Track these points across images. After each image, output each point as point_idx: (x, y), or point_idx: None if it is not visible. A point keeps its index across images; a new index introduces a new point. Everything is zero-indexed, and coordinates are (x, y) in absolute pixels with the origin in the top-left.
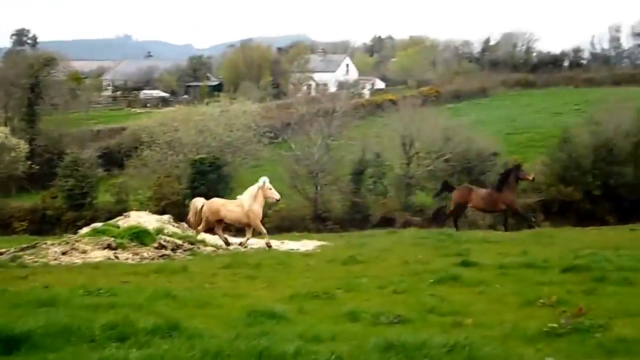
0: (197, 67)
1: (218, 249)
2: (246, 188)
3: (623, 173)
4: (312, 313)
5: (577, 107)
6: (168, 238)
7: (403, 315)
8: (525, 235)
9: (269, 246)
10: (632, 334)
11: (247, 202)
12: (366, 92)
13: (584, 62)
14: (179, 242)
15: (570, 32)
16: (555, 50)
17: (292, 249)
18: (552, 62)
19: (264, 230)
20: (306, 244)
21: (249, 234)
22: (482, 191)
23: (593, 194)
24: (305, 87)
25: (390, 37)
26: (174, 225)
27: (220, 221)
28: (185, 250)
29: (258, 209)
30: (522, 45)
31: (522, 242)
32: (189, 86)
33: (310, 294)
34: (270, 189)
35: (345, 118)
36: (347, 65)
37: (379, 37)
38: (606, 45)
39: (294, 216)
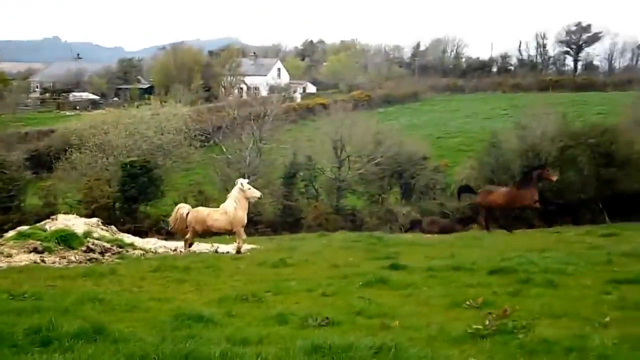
0: (128, 69)
1: (147, 253)
2: (177, 191)
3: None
4: (241, 316)
5: (505, 112)
6: (96, 241)
7: (331, 318)
8: (454, 238)
9: (239, 252)
10: (553, 335)
11: (231, 209)
12: (298, 96)
13: (512, 68)
14: (108, 245)
15: (498, 39)
16: (484, 56)
17: (223, 252)
18: (481, 68)
19: (244, 237)
20: None
21: (239, 240)
22: (503, 189)
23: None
24: (236, 91)
25: (321, 42)
26: (103, 229)
27: (199, 231)
28: (113, 254)
29: (242, 214)
30: (452, 51)
31: (451, 245)
32: (120, 89)
33: (239, 297)
34: (249, 189)
35: (277, 122)
36: (279, 69)
37: (311, 41)
38: (533, 52)
39: None
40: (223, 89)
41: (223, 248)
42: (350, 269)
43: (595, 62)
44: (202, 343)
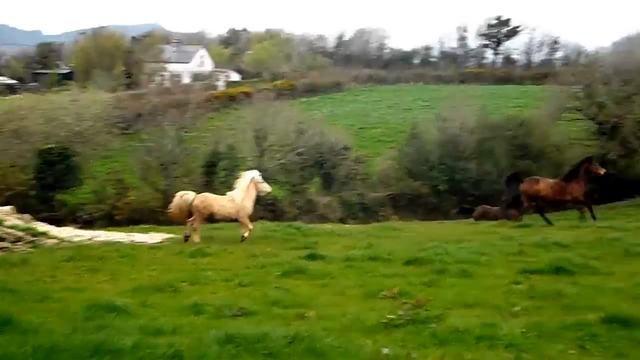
0: (47, 54)
1: (62, 242)
2: (96, 179)
3: (467, 168)
4: (155, 306)
5: (426, 104)
6: (8, 230)
7: (247, 308)
8: (372, 229)
9: (242, 240)
10: (465, 324)
11: (239, 198)
12: (221, 85)
13: (433, 60)
14: (21, 234)
15: (420, 31)
16: (406, 47)
17: (139, 242)
18: (403, 59)
19: (250, 226)
20: (154, 237)
21: (244, 229)
22: (550, 180)
23: (439, 188)
24: (158, 78)
25: (245, 30)
26: (16, 217)
27: (206, 216)
28: (27, 243)
29: (249, 204)
30: (375, 42)
31: (369, 235)
32: (38, 73)
33: (155, 287)
34: (262, 182)
35: (199, 110)
36: (202, 56)
37: (235, 29)
38: (454, 45)
39: (144, 208)
40: (145, 76)
41: (139, 237)
42: (268, 259)
43: (514, 56)
44: (114, 334)
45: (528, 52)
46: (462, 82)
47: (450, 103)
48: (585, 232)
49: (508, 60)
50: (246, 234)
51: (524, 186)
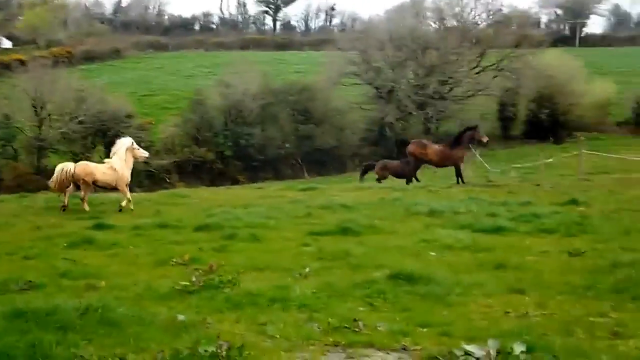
0: None
1: None
2: None
3: (252, 134)
4: None
5: (209, 70)
6: None
7: (34, 281)
8: (159, 196)
9: (120, 210)
10: (257, 288)
11: (118, 166)
12: None
13: (214, 26)
14: None
15: None
16: (186, 14)
17: None
18: (183, 26)
19: (128, 195)
20: None
21: (124, 197)
22: (436, 146)
23: (225, 155)
24: None
25: None
26: None
27: (90, 184)
28: None
29: (127, 172)
30: (154, 8)
31: (157, 202)
32: None
33: None
34: (138, 149)
35: None
36: None
37: None
38: (234, 11)
39: None
40: None
41: None
42: (53, 230)
43: (293, 22)
44: None
45: (306, 19)
46: (242, 48)
47: (232, 69)
48: (369, 193)
49: (287, 26)
50: (124, 204)
51: (411, 148)
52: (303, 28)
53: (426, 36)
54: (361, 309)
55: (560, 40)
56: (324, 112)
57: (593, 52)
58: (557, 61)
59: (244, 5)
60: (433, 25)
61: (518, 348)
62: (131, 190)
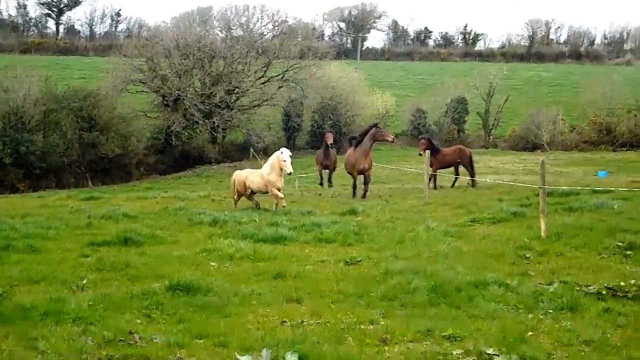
0: None
1: None
2: None
3: (33, 141)
4: None
5: None
6: None
7: None
8: None
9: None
10: (30, 301)
11: (265, 173)
12: None
13: None
14: None
15: None
16: None
17: None
18: None
19: (280, 196)
20: None
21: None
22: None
23: (3, 162)
24: None
25: None
26: None
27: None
28: None
29: (275, 178)
30: None
31: None
32: None
33: None
34: (285, 160)
35: None
36: None
37: None
38: (13, 12)
39: None
40: None
41: None
42: None
43: (77, 27)
44: None
45: (91, 24)
46: (23, 52)
47: (12, 73)
48: (153, 202)
49: (71, 30)
50: (279, 203)
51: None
52: (88, 33)
53: (213, 45)
54: (138, 321)
55: (343, 53)
56: (108, 120)
57: (373, 66)
58: (340, 73)
59: (24, 7)
60: (220, 34)
61: (291, 357)
62: None
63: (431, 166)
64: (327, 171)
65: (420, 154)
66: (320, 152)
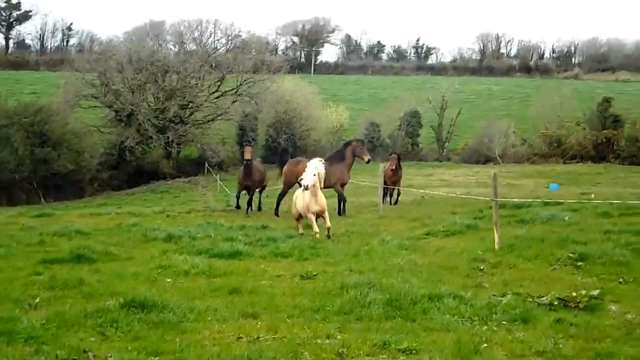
0: None
1: None
2: None
3: None
4: None
5: None
6: None
7: None
8: None
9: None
10: None
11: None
12: None
13: None
14: None
15: None
16: None
17: None
18: None
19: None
20: None
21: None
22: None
23: None
24: None
25: None
26: None
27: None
28: None
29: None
30: None
31: None
32: None
33: None
34: (306, 173)
35: None
36: None
37: None
38: None
39: None
40: None
41: None
42: None
43: (28, 41)
44: None
45: (42, 38)
46: None
47: None
48: (106, 219)
49: (21, 45)
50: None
51: (286, 169)
52: (38, 47)
53: (166, 59)
54: (92, 339)
55: (297, 67)
56: (61, 135)
57: (327, 79)
58: (294, 87)
59: None
60: (173, 48)
61: None
62: None
63: (396, 183)
64: (249, 192)
65: (393, 169)
66: (240, 170)
